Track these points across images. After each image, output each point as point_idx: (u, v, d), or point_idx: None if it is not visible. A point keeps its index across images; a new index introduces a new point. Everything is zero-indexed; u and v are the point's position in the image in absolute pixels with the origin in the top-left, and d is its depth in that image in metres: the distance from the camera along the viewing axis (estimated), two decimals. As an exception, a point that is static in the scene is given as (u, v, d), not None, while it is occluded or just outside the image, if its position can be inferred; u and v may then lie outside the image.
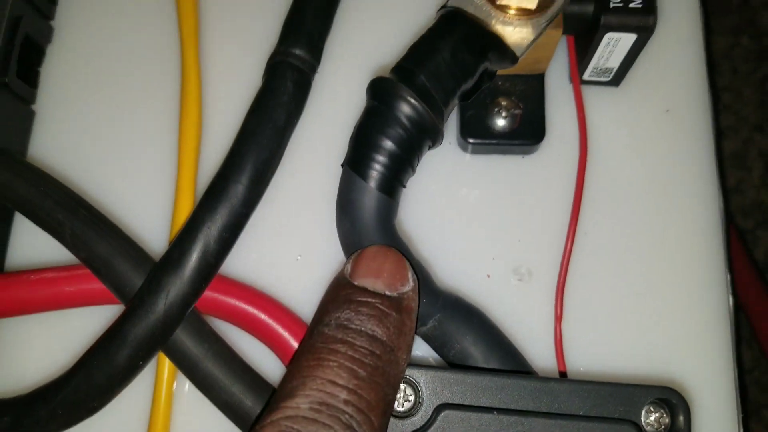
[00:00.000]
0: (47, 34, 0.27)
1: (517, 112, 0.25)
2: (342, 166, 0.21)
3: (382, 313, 0.18)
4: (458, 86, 0.21)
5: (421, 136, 0.20)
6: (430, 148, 0.21)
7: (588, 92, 0.26)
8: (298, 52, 0.22)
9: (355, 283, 0.19)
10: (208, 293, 0.22)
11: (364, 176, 0.20)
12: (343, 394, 0.17)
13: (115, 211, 0.25)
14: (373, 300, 0.18)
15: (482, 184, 0.26)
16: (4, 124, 0.25)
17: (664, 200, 0.25)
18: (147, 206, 0.25)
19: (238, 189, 0.21)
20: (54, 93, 0.27)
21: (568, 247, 0.25)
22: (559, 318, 0.24)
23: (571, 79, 0.26)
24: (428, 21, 0.23)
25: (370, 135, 0.20)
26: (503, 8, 0.22)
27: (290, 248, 0.25)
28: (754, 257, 0.65)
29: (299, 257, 0.25)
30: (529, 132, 0.25)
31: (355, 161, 0.20)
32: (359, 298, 0.18)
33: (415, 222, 0.25)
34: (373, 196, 0.20)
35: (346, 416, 0.16)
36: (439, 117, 0.20)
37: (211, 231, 0.20)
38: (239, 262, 0.24)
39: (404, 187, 0.21)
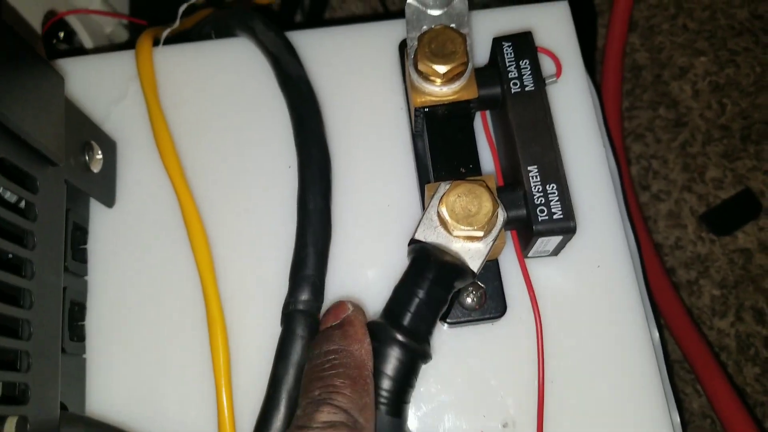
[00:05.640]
0: (85, 291, 0.32)
1: (480, 292, 0.31)
2: (358, 393, 0.27)
3: (327, 335, 0.27)
4: (437, 315, 0.27)
5: (415, 363, 0.26)
6: (423, 365, 0.27)
7: (534, 264, 0.33)
8: (304, 297, 0.28)
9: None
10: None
11: (376, 406, 0.26)
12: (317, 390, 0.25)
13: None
14: (321, 334, 0.27)
15: (463, 353, 0.32)
16: (66, 382, 0.30)
17: (606, 339, 0.32)
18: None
19: (278, 425, 0.26)
20: (98, 338, 0.32)
21: (540, 396, 0.31)
22: (544, 461, 0.30)
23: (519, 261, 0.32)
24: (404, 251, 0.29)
25: (375, 371, 0.26)
26: (459, 237, 0.28)
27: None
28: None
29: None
30: (493, 307, 0.31)
31: (368, 391, 0.26)
32: (318, 340, 0.27)
33: (416, 399, 0.31)
34: (385, 422, 0.25)
35: (317, 393, 0.24)
36: (426, 344, 0.26)
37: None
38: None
39: (408, 403, 0.27)
